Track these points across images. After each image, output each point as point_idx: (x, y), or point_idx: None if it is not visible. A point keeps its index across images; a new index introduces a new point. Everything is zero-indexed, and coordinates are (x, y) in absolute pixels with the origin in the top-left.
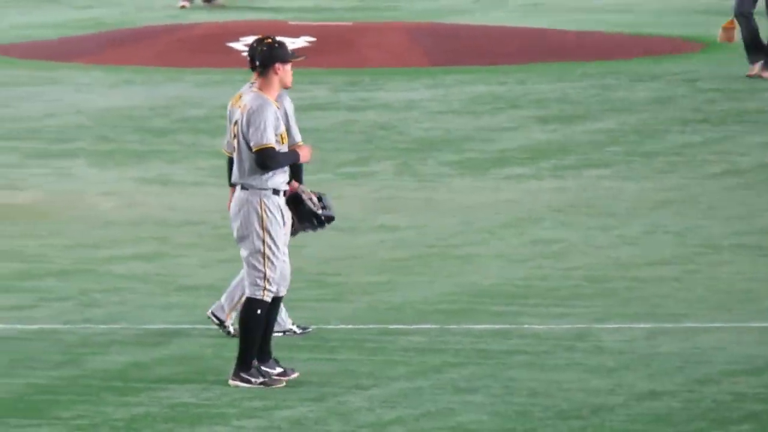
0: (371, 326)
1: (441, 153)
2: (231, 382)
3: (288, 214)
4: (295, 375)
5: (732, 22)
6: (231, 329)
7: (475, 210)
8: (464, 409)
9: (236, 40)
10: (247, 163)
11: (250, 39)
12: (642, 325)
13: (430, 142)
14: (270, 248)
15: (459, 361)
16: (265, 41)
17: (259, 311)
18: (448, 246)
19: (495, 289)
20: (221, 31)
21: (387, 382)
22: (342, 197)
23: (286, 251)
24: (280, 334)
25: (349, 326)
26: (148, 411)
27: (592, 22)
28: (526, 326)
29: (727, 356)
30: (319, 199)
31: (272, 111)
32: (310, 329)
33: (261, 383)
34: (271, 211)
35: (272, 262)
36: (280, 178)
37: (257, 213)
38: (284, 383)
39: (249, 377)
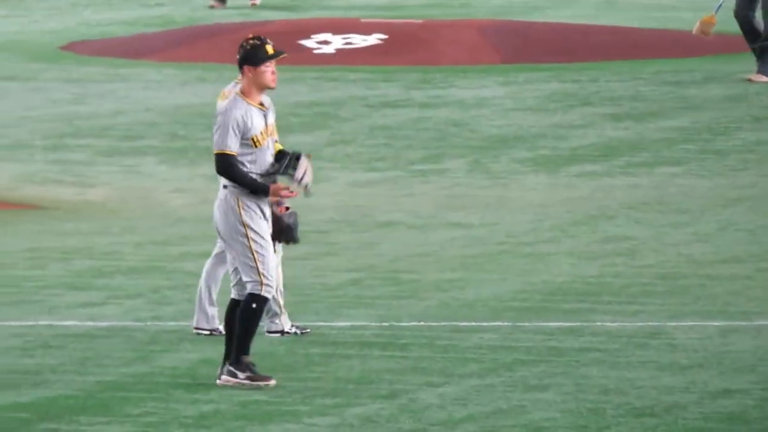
0: (443, 323)
1: (513, 150)
2: (222, 379)
3: (268, 211)
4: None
5: (713, 17)
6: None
7: (547, 207)
8: (536, 406)
9: (308, 37)
10: None
11: (322, 36)
12: (714, 323)
13: (503, 139)
14: (256, 242)
15: (531, 359)
16: (244, 42)
17: (254, 305)
18: (519, 243)
19: (567, 287)
20: (293, 29)
21: (458, 379)
22: (414, 195)
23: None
24: (278, 335)
25: (421, 323)
26: (218, 408)
27: (666, 19)
28: (598, 324)
29: None
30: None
31: (239, 115)
32: (308, 330)
33: (246, 378)
34: (248, 206)
35: (262, 254)
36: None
37: (234, 210)
38: (270, 384)
39: (236, 371)
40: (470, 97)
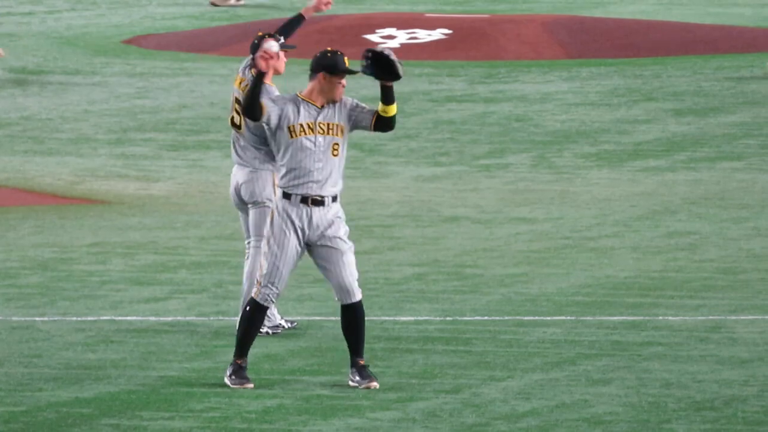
0: (507, 318)
1: (577, 145)
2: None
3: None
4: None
5: None
6: (282, 322)
7: (611, 202)
8: (598, 400)
9: (372, 32)
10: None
11: (387, 31)
12: None
13: (566, 134)
14: (270, 248)
15: (594, 353)
16: (327, 51)
17: (248, 308)
18: (583, 238)
19: (630, 281)
20: (358, 23)
21: (522, 373)
22: (478, 189)
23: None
24: (266, 332)
25: (485, 318)
26: (281, 403)
27: (728, 15)
28: (660, 318)
29: None
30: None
31: (288, 99)
32: (296, 323)
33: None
34: (280, 216)
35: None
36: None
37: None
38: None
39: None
40: (534, 92)
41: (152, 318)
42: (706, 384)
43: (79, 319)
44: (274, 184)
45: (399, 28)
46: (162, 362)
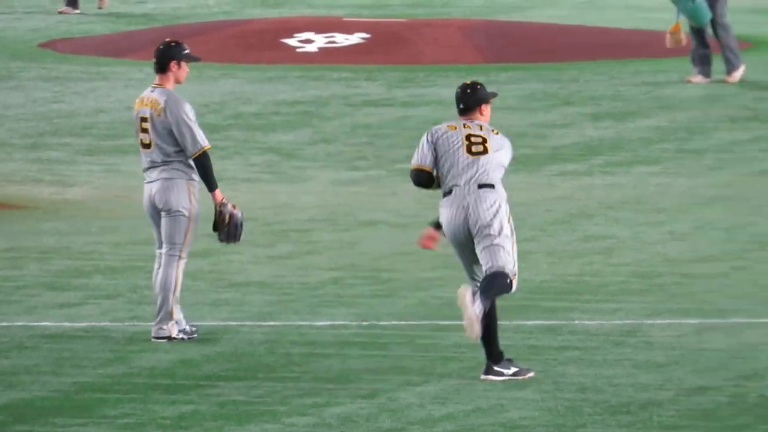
0: (423, 322)
1: None
2: (483, 376)
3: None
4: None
5: (677, 24)
6: (175, 332)
7: (528, 206)
8: (514, 405)
9: (291, 36)
10: None
11: (305, 35)
12: (690, 321)
13: None
14: (512, 232)
15: (510, 357)
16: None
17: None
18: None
19: (546, 286)
20: (276, 27)
21: (438, 378)
22: (395, 193)
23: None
24: (164, 340)
25: (402, 322)
26: (197, 409)
27: (646, 20)
28: (576, 322)
29: None
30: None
31: None
32: (195, 335)
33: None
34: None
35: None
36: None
37: (504, 207)
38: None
39: (502, 369)
40: (452, 96)
41: (66, 323)
42: (622, 388)
43: None
44: (189, 192)
45: (317, 32)
46: (76, 368)
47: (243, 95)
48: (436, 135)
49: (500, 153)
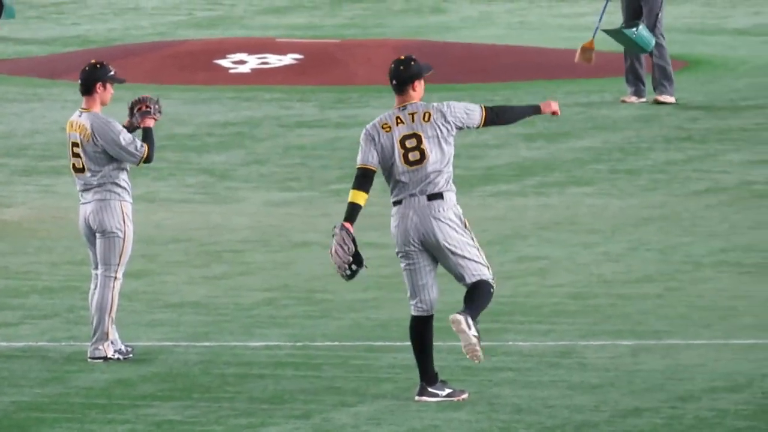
0: (357, 343)
1: None
2: (417, 398)
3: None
4: (464, 396)
5: (592, 42)
6: (111, 352)
7: None
8: (449, 426)
9: (224, 57)
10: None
11: (238, 56)
12: (625, 342)
13: None
14: (474, 239)
15: (444, 378)
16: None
17: (493, 290)
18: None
19: None
20: (209, 48)
21: (372, 399)
22: (328, 214)
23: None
24: (100, 360)
25: (335, 343)
26: (133, 428)
27: (580, 40)
28: (510, 343)
29: (708, 373)
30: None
31: None
32: (131, 354)
33: (447, 395)
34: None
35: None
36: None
37: (458, 217)
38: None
39: (436, 391)
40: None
41: (3, 343)
42: (557, 409)
43: None
44: (123, 214)
45: (250, 53)
46: (13, 387)
47: (177, 116)
48: (373, 132)
49: (444, 144)
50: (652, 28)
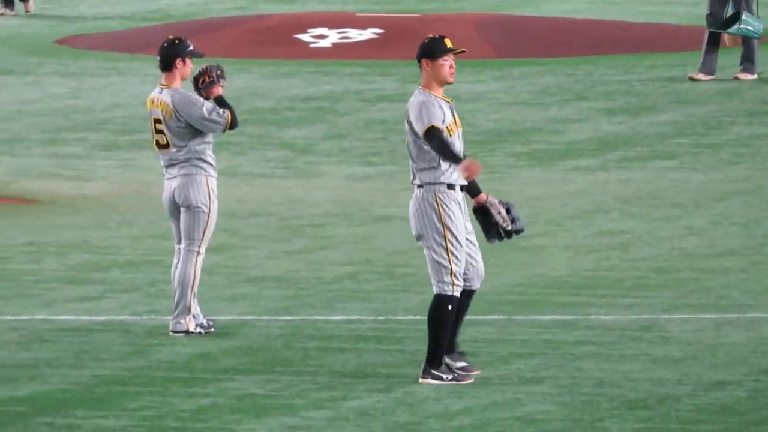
0: None
1: (509, 144)
2: (421, 380)
3: (466, 207)
4: (477, 371)
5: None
6: (192, 326)
7: (543, 201)
8: (531, 399)
9: (304, 32)
10: (418, 160)
11: (318, 31)
12: (708, 316)
13: (498, 133)
14: (452, 243)
15: (526, 352)
16: (426, 39)
17: (449, 307)
18: (516, 237)
19: (562, 280)
20: (289, 23)
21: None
22: (410, 188)
23: (475, 246)
24: (182, 334)
25: (417, 317)
26: (214, 402)
27: (661, 14)
28: (593, 317)
29: None
30: (508, 210)
31: (435, 102)
32: (212, 329)
33: (451, 379)
34: (448, 207)
35: (456, 257)
36: (455, 174)
37: (434, 209)
38: (472, 378)
39: (440, 374)
40: (466, 91)
41: (85, 317)
42: (639, 383)
43: (12, 318)
44: (209, 189)
45: (330, 27)
46: (95, 361)
47: (257, 91)
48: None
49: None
50: (747, 8)
